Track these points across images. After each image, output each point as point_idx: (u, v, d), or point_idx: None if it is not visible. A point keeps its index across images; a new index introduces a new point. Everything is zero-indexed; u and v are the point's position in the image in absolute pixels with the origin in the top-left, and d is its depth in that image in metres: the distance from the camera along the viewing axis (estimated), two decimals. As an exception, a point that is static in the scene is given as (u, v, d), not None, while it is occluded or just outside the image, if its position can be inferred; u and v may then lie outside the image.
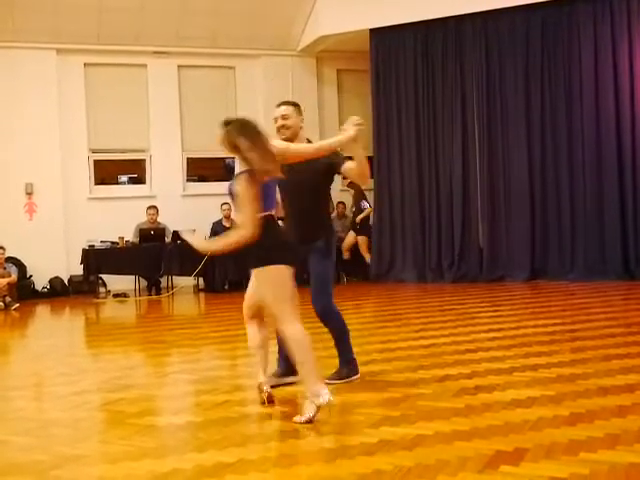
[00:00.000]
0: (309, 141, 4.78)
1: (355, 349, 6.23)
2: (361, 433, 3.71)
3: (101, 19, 11.39)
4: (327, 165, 4.68)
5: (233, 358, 6.23)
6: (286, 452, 3.49)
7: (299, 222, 4.78)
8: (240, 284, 11.11)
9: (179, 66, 12.48)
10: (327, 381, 4.66)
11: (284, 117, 4.71)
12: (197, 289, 11.56)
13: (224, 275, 11.03)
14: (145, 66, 12.32)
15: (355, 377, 4.97)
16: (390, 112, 11.65)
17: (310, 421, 3.90)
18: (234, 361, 6.14)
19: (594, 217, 10.33)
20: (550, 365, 5.09)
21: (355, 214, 12.10)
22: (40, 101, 11.48)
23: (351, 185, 12.35)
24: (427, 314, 8.04)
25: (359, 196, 12.25)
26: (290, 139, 4.63)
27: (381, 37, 11.60)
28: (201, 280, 11.53)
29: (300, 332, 4.03)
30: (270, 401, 4.35)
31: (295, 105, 4.80)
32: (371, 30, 11.60)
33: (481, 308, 8.37)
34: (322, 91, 13.15)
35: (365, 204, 12.23)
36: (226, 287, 11.10)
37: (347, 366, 4.98)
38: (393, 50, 11.61)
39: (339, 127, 12.65)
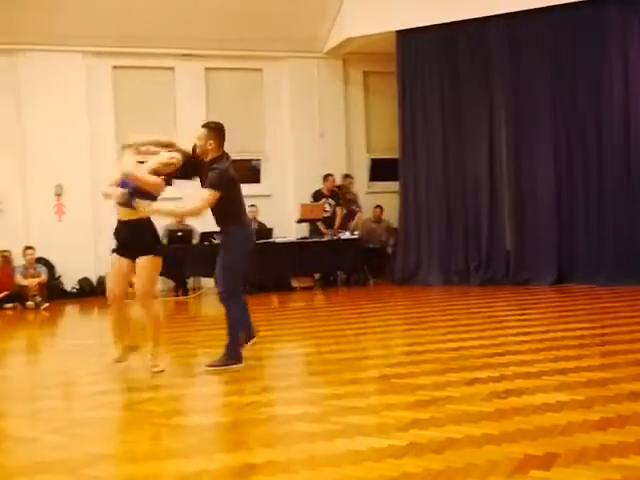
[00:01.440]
0: (227, 157, 5.62)
1: (382, 351, 6.26)
2: (390, 436, 3.69)
3: (129, 22, 11.48)
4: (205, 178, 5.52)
5: (259, 359, 6.22)
6: (314, 454, 3.48)
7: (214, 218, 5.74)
8: (267, 285, 11.17)
9: (206, 68, 12.55)
10: (207, 367, 5.48)
11: (197, 138, 5.60)
12: (223, 290, 11.57)
13: (251, 276, 11.02)
14: (172, 69, 12.40)
15: (237, 366, 5.50)
16: (417, 114, 11.61)
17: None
18: (260, 362, 6.13)
19: (622, 220, 10.20)
20: (579, 369, 5.04)
21: (345, 220, 12.21)
22: (69, 104, 11.59)
23: (341, 187, 12.45)
24: (454, 317, 7.99)
25: (349, 203, 12.31)
26: (201, 155, 5.59)
27: (407, 39, 11.56)
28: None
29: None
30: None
31: (210, 128, 5.61)
32: (397, 32, 11.57)
33: (508, 311, 8.30)
34: (348, 93, 13.15)
35: (356, 209, 12.40)
36: (252, 288, 11.09)
37: (229, 354, 5.54)
38: (419, 52, 11.57)
39: (365, 128, 12.40)
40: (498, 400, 4.31)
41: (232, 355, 5.55)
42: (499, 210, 11.05)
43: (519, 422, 3.83)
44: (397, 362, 5.63)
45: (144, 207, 5.37)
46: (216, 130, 5.59)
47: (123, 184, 5.47)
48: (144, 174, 5.50)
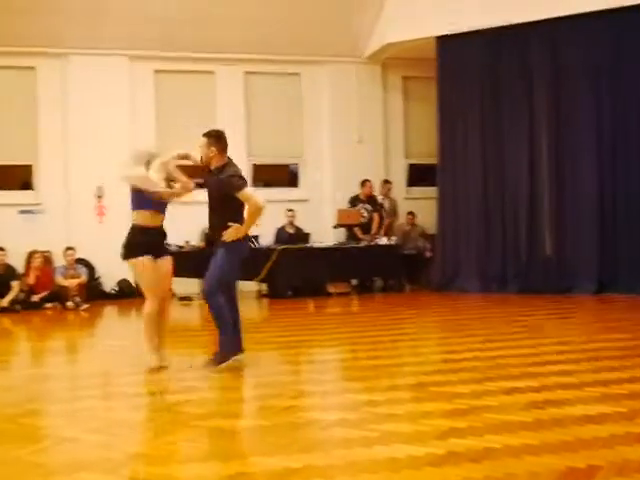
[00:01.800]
0: (233, 163, 5.75)
1: (419, 358, 6.22)
2: (427, 444, 3.66)
3: (171, 27, 11.61)
4: (224, 184, 5.61)
5: (297, 364, 6.26)
6: (352, 460, 3.47)
7: (210, 223, 5.86)
8: (303, 290, 11.17)
9: (245, 72, 12.64)
10: (205, 367, 5.56)
11: (200, 147, 5.78)
12: (260, 294, 11.64)
13: (288, 281, 11.06)
14: (213, 73, 12.52)
15: (236, 357, 5.65)
16: (456, 119, 11.56)
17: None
18: (298, 367, 6.17)
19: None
20: (622, 381, 4.95)
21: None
22: (112, 107, 11.77)
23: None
24: (492, 325, 7.92)
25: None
26: (206, 163, 5.76)
27: (448, 44, 11.51)
28: (264, 285, 11.61)
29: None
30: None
31: (210, 136, 5.76)
32: (438, 37, 11.53)
33: (548, 320, 8.20)
34: (387, 98, 13.15)
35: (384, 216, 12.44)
36: (290, 293, 11.12)
37: (223, 350, 5.63)
38: (460, 57, 11.51)
39: (403, 133, 12.26)
40: (537, 410, 4.25)
41: (227, 348, 5.65)
42: (539, 216, 10.93)
43: (559, 433, 3.77)
44: (434, 370, 5.60)
45: (229, 234, 5.60)
46: (216, 137, 5.77)
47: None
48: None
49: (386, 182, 12.69)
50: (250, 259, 11.05)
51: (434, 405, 4.45)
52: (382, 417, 4.21)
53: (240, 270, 5.94)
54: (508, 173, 11.12)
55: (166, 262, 5.89)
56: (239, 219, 5.68)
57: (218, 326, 5.70)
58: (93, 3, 11.19)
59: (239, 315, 5.93)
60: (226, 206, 5.63)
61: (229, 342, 5.68)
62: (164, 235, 5.95)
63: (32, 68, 11.79)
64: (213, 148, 5.72)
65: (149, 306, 5.76)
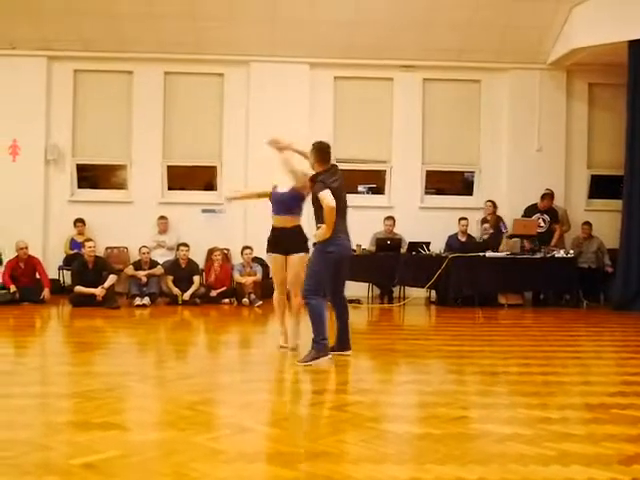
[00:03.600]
0: (330, 170, 6.30)
1: (597, 378, 5.90)
2: (611, 468, 3.46)
3: (351, 33, 11.81)
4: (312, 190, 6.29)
5: (465, 374, 6.14)
6: (528, 477, 3.34)
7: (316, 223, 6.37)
8: (473, 300, 10.93)
9: (424, 79, 12.61)
10: (298, 363, 6.03)
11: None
12: (428, 301, 11.55)
13: (457, 290, 10.88)
14: (391, 79, 12.60)
15: (325, 358, 6.05)
16: (647, 129, 10.88)
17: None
18: (467, 377, 6.05)
19: None
20: None
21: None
22: (292, 112, 12.14)
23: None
24: (679, 349, 7.38)
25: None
26: (312, 169, 6.42)
27: (641, 49, 10.89)
28: (433, 292, 11.51)
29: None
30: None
31: (312, 146, 6.38)
32: (630, 42, 10.92)
33: None
34: (571, 106, 12.65)
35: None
36: (458, 302, 10.93)
37: (315, 347, 6.08)
38: (654, 63, 10.85)
39: (587, 143, 11.64)
40: None
41: (318, 348, 6.06)
42: None
43: None
44: (615, 391, 5.29)
45: (316, 235, 6.24)
46: (313, 148, 6.38)
47: (277, 195, 6.97)
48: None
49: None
50: (421, 265, 11.06)
51: (617, 428, 4.20)
52: (559, 435, 4.03)
53: (329, 272, 6.27)
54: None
55: (292, 258, 6.75)
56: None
57: (313, 327, 6.19)
58: (276, 12, 11.60)
59: (348, 315, 6.61)
60: (319, 210, 6.19)
61: (321, 344, 6.08)
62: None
63: (221, 75, 12.42)
64: (311, 159, 6.36)
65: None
